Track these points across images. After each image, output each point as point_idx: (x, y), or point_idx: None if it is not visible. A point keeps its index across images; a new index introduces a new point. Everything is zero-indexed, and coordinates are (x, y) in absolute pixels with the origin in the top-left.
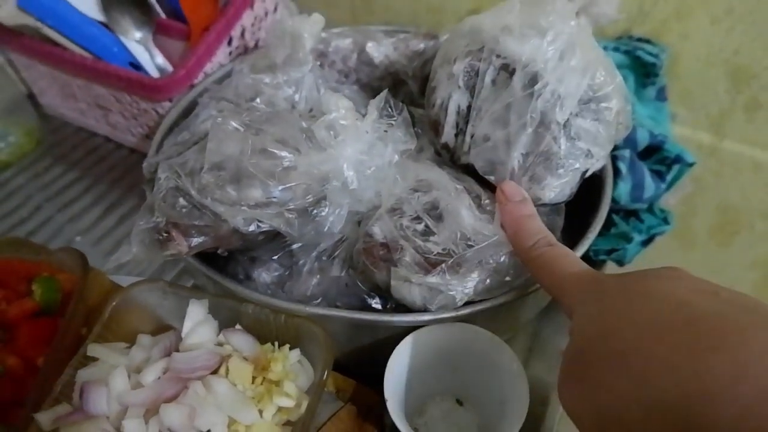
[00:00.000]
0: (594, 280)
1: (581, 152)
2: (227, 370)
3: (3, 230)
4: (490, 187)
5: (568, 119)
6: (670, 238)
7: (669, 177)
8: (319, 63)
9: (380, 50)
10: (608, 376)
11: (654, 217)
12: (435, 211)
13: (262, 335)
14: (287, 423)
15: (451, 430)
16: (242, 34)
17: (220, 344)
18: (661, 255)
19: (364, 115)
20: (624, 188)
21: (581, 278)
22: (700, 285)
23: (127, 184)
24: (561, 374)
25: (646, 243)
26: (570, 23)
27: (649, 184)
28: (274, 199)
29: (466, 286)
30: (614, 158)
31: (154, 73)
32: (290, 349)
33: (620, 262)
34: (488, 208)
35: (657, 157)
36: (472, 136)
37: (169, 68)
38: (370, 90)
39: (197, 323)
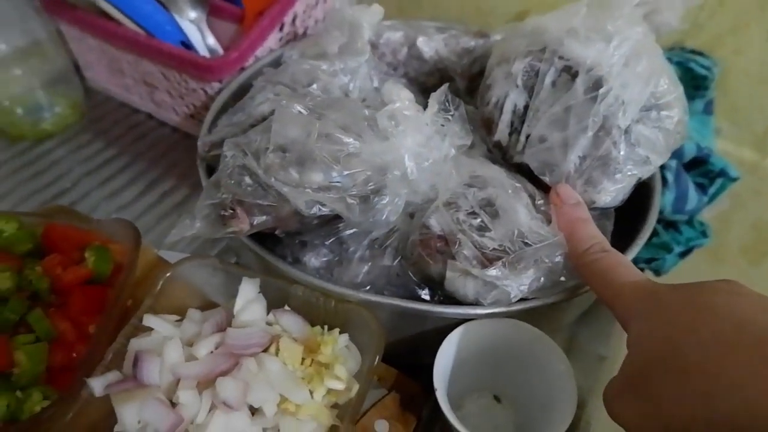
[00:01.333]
0: (652, 292)
1: (640, 159)
2: (277, 349)
3: (44, 200)
4: (542, 188)
5: (629, 125)
6: (701, 252)
7: (711, 190)
8: None
9: (431, 45)
10: (672, 392)
11: (693, 230)
12: (490, 208)
13: (310, 318)
14: (334, 406)
15: (487, 426)
16: (293, 21)
17: (269, 324)
18: (690, 268)
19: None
20: (668, 198)
21: (638, 289)
22: (760, 301)
23: (168, 162)
24: (617, 386)
25: (683, 255)
26: (636, 29)
27: (693, 196)
28: (336, 184)
29: (522, 283)
30: (661, 167)
31: (205, 54)
32: (339, 333)
33: (658, 272)
34: (542, 208)
35: (701, 169)
36: (527, 137)
37: (219, 50)
38: (417, 84)
39: (249, 301)
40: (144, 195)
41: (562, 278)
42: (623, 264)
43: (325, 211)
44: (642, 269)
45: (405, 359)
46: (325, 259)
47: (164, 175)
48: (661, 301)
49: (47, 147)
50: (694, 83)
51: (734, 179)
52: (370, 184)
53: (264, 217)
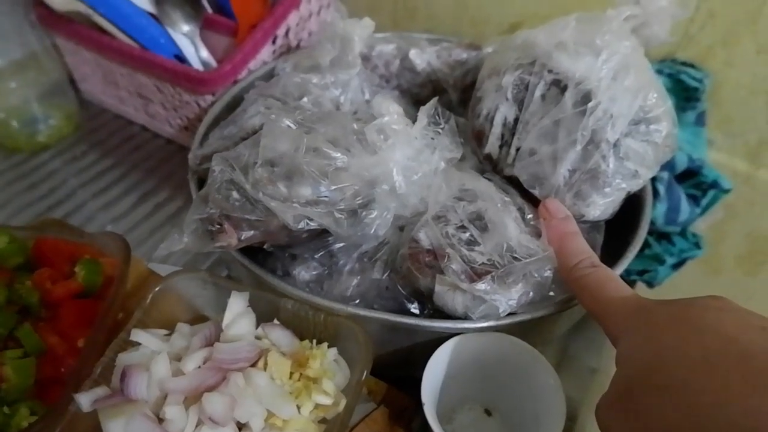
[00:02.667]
0: (641, 308)
1: (629, 172)
2: (266, 363)
3: (38, 212)
4: (533, 201)
5: (618, 138)
6: (697, 262)
7: (704, 202)
8: None
9: (423, 57)
10: (658, 408)
11: (686, 241)
12: (480, 221)
13: (299, 332)
14: (322, 420)
15: None
16: (287, 34)
17: (258, 338)
18: (686, 280)
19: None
20: (660, 210)
21: (627, 304)
22: (747, 319)
23: (162, 174)
24: (606, 401)
25: (676, 266)
26: (625, 43)
27: (685, 207)
28: (324, 198)
29: (510, 297)
30: (653, 179)
31: (198, 67)
32: (328, 347)
33: (650, 284)
34: (531, 222)
35: (693, 181)
36: (517, 149)
37: (213, 63)
38: (410, 96)
39: (237, 315)
40: (138, 206)
41: (551, 293)
42: (612, 279)
43: (313, 225)
44: (634, 281)
45: (395, 372)
46: (315, 272)
47: (158, 187)
48: (649, 317)
49: (42, 159)
50: (686, 95)
51: (727, 191)
52: (358, 198)
53: (252, 232)
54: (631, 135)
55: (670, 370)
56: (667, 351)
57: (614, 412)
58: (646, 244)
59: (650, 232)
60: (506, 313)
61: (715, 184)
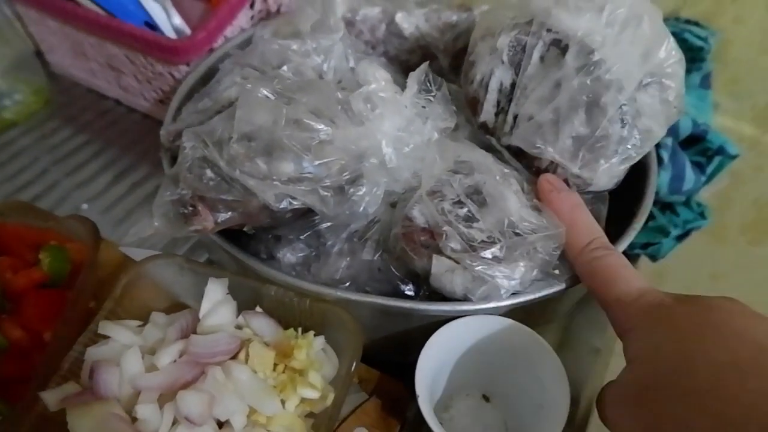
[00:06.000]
0: (658, 304)
1: (637, 136)
2: (247, 355)
3: (6, 193)
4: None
5: (625, 100)
6: (700, 231)
7: (709, 169)
8: None
9: (410, 21)
10: (679, 411)
11: (690, 211)
12: (478, 196)
13: (283, 320)
14: (309, 415)
15: (477, 426)
16: None
17: (239, 327)
18: (689, 249)
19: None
20: (664, 179)
21: (642, 297)
22: None
23: (140, 150)
24: (617, 397)
25: (681, 238)
26: None
27: (690, 175)
28: (308, 175)
29: (513, 276)
30: (656, 146)
31: (171, 35)
32: (314, 335)
33: (654, 257)
34: (532, 194)
35: (698, 147)
36: (515, 117)
37: (187, 30)
38: (398, 63)
39: (216, 304)
40: (114, 186)
41: (556, 271)
42: (626, 266)
43: (296, 204)
44: (638, 255)
45: (389, 358)
46: (301, 254)
47: (135, 165)
48: (669, 315)
49: (10, 136)
50: (690, 55)
51: (733, 157)
52: (345, 174)
53: (229, 214)
54: (638, 97)
55: (696, 373)
56: (691, 353)
57: (627, 409)
58: (650, 216)
59: (654, 203)
60: (509, 294)
61: (721, 150)
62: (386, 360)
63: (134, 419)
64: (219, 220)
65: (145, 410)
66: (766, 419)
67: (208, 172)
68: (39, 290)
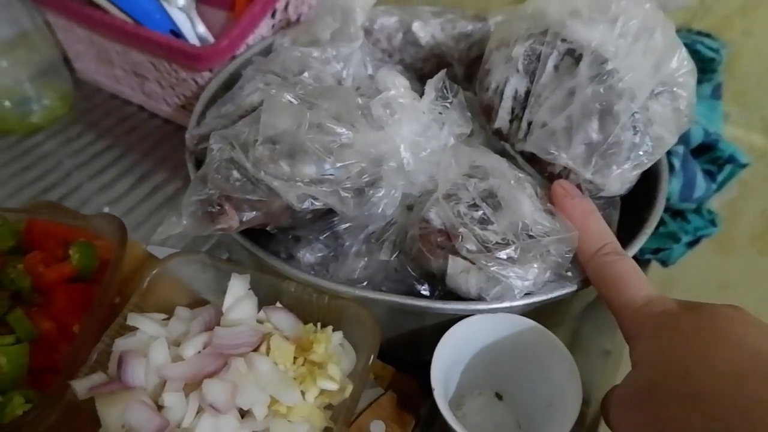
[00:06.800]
0: (665, 312)
1: (648, 143)
2: (268, 348)
3: (32, 194)
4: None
5: (637, 108)
6: (709, 241)
7: (720, 177)
8: None
9: (426, 30)
10: (681, 414)
11: (701, 219)
12: (492, 199)
13: (302, 315)
14: (328, 406)
15: (488, 424)
16: (286, 7)
17: (260, 322)
18: (698, 259)
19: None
20: (675, 186)
21: (650, 304)
22: None
23: (160, 155)
24: (621, 399)
25: (691, 245)
26: (644, 6)
27: (700, 183)
28: (329, 176)
29: (527, 277)
30: (667, 153)
31: (195, 42)
32: (333, 331)
33: (665, 263)
34: (545, 199)
35: (709, 156)
36: (529, 123)
37: (210, 38)
38: (413, 71)
39: (238, 299)
40: (135, 189)
41: (569, 273)
42: (636, 272)
43: (317, 205)
44: (648, 260)
45: (403, 356)
46: (320, 254)
47: (156, 168)
48: (675, 322)
49: (36, 140)
50: (701, 66)
51: (744, 165)
52: (364, 176)
53: (254, 213)
54: (650, 106)
55: (696, 378)
56: (692, 359)
57: (630, 412)
58: (661, 222)
59: (665, 209)
60: (522, 294)
61: (731, 159)
62: (399, 359)
63: (160, 407)
64: (244, 219)
65: (172, 398)
66: (761, 425)
67: (235, 173)
68: (68, 284)
